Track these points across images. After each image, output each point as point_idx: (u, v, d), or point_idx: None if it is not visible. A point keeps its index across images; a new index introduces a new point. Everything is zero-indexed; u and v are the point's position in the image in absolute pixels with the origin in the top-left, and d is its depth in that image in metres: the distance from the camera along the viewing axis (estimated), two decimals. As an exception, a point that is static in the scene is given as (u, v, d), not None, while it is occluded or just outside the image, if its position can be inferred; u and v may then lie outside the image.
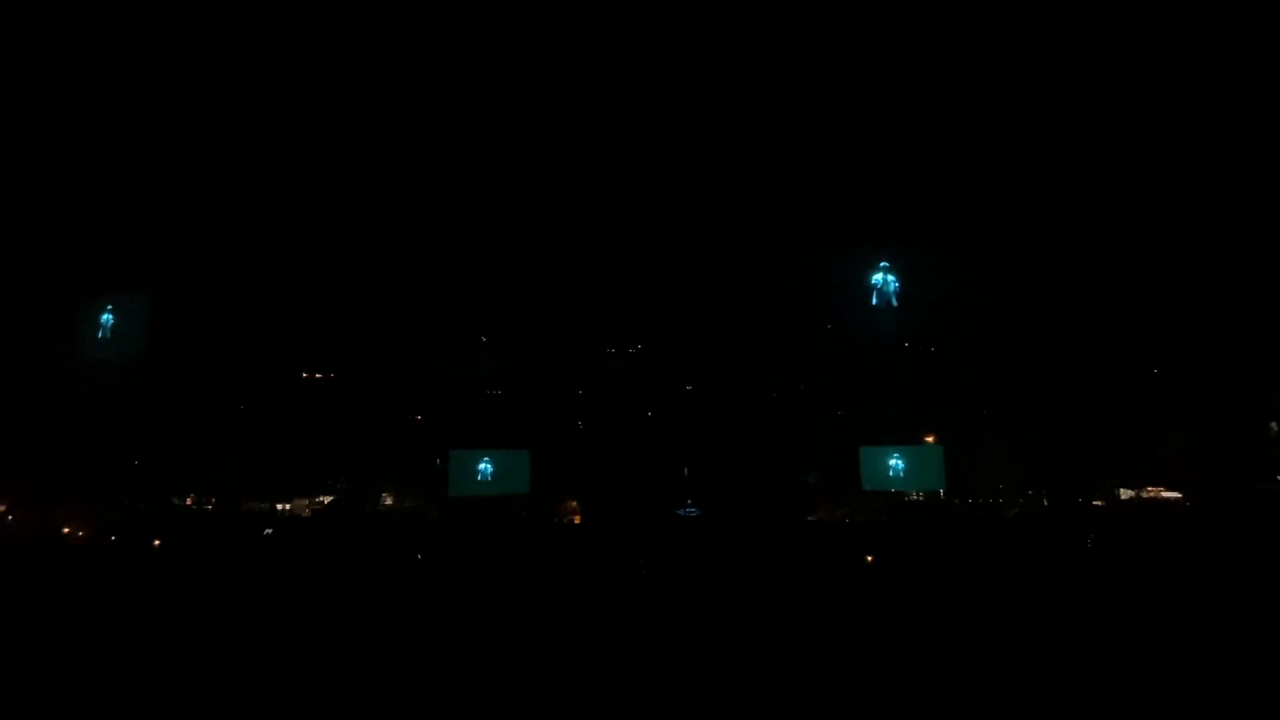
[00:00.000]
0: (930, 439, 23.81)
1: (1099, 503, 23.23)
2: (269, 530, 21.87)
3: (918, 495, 23.68)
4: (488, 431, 24.73)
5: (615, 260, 21.28)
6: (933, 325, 21.26)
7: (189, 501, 24.30)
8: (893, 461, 23.29)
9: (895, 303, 20.74)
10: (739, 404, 22.71)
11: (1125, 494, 23.55)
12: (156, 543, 20.54)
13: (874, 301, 20.73)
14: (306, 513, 25.12)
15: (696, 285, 21.80)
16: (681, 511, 23.90)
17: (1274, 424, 22.68)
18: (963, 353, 21.55)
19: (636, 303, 22.05)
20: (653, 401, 23.37)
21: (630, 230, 21.01)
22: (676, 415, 23.45)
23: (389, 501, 26.13)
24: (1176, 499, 23.20)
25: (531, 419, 24.55)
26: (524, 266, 21.36)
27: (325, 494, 25.63)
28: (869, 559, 19.39)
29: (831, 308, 21.44)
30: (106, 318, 22.87)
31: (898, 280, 20.80)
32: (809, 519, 22.74)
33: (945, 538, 18.68)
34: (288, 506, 25.12)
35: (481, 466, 24.49)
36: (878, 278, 20.99)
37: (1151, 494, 23.53)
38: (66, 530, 22.03)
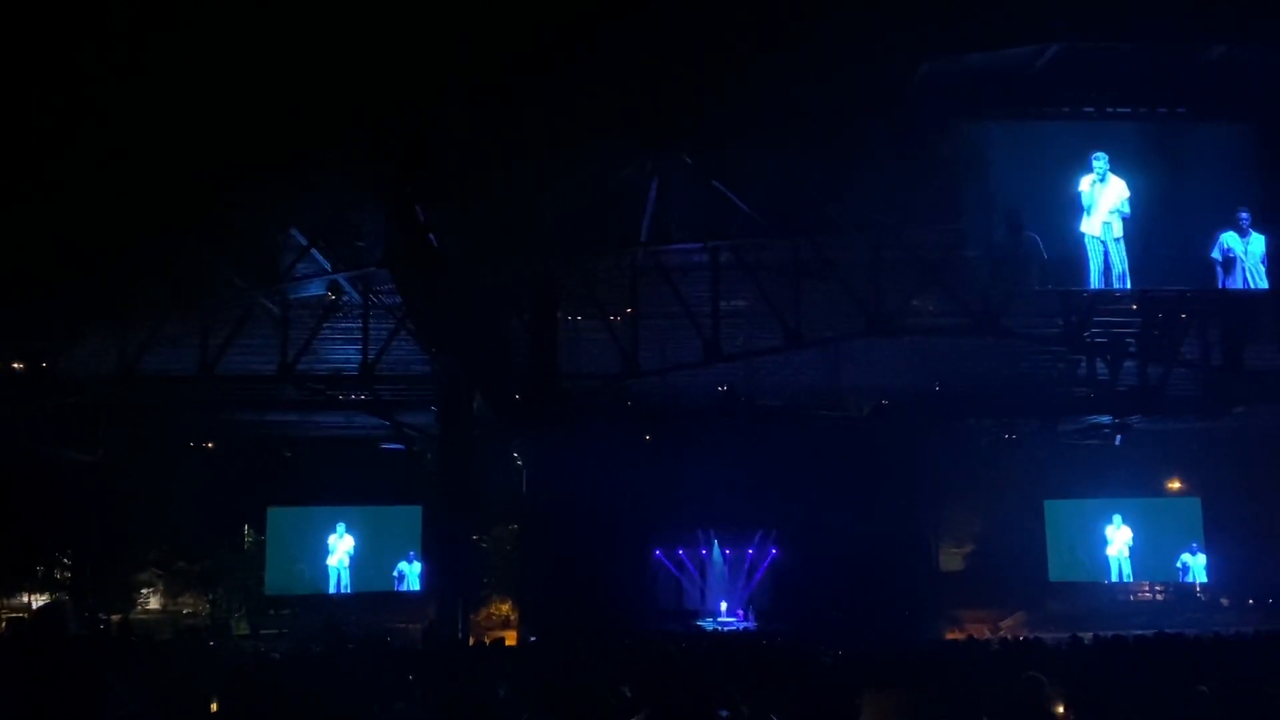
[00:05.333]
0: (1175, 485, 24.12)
1: None
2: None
3: (1153, 593, 24.00)
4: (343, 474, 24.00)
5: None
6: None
7: None
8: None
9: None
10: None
11: None
12: None
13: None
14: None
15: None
16: (708, 621, 22.99)
17: None
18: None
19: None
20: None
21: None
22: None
23: (154, 604, 25.48)
24: None
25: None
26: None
27: (35, 591, 24.55)
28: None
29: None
30: None
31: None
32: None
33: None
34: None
35: (329, 539, 23.84)
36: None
37: None
38: None
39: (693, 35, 15.69)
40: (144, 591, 25.25)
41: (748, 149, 17.60)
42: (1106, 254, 17.91)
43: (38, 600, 23.79)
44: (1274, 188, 18.00)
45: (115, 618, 21.79)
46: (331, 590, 23.57)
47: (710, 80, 16.14)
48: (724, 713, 11.90)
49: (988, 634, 20.93)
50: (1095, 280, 17.93)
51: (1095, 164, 17.85)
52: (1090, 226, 17.77)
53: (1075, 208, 17.73)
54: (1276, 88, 17.52)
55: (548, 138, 16.43)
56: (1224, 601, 23.41)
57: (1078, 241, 17.75)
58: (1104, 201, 17.88)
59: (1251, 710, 11.25)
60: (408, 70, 15.52)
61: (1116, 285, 18.09)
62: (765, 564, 23.51)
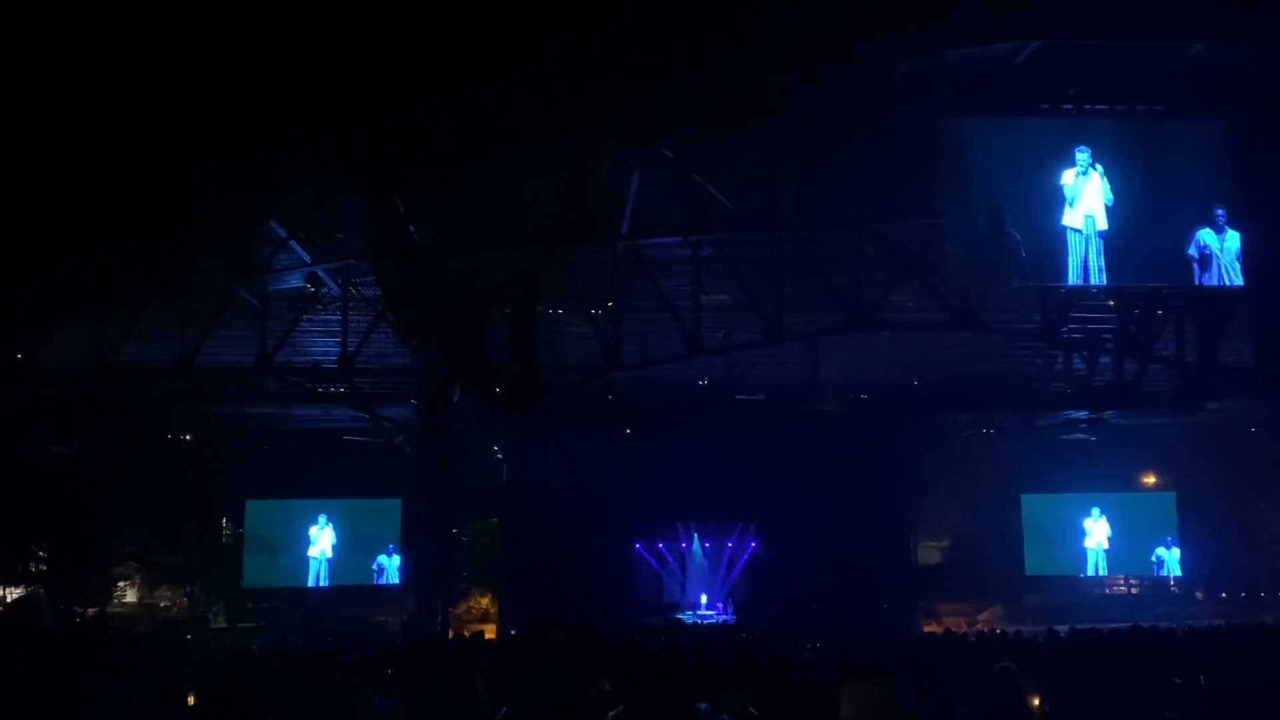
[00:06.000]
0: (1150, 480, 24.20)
1: None
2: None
3: (1128, 586, 23.88)
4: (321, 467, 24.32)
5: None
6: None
7: None
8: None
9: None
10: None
11: None
12: None
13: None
14: (-24, 619, 23.34)
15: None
16: (688, 614, 22.90)
17: None
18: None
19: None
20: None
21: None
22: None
23: (131, 597, 25.44)
24: None
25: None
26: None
27: (10, 585, 23.98)
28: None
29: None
30: None
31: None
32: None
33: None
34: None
35: (309, 531, 23.98)
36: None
37: None
38: None
39: (674, 29, 15.61)
40: (121, 584, 25.13)
41: (729, 143, 17.48)
42: (1086, 249, 17.93)
43: (13, 593, 23.49)
44: (1250, 185, 17.88)
45: (92, 611, 21.88)
46: (310, 584, 23.55)
47: (692, 74, 16.00)
48: (703, 705, 11.95)
49: (965, 627, 20.65)
50: (1074, 276, 17.78)
51: (1079, 157, 17.98)
52: (1072, 219, 17.84)
53: (1055, 203, 17.75)
54: (1253, 85, 17.42)
55: (529, 131, 16.31)
56: (1198, 595, 23.78)
57: (1058, 236, 17.73)
58: (1086, 195, 17.89)
59: (1225, 702, 11.45)
60: (389, 62, 15.46)
61: (1094, 280, 17.92)
62: (745, 557, 23.44)
